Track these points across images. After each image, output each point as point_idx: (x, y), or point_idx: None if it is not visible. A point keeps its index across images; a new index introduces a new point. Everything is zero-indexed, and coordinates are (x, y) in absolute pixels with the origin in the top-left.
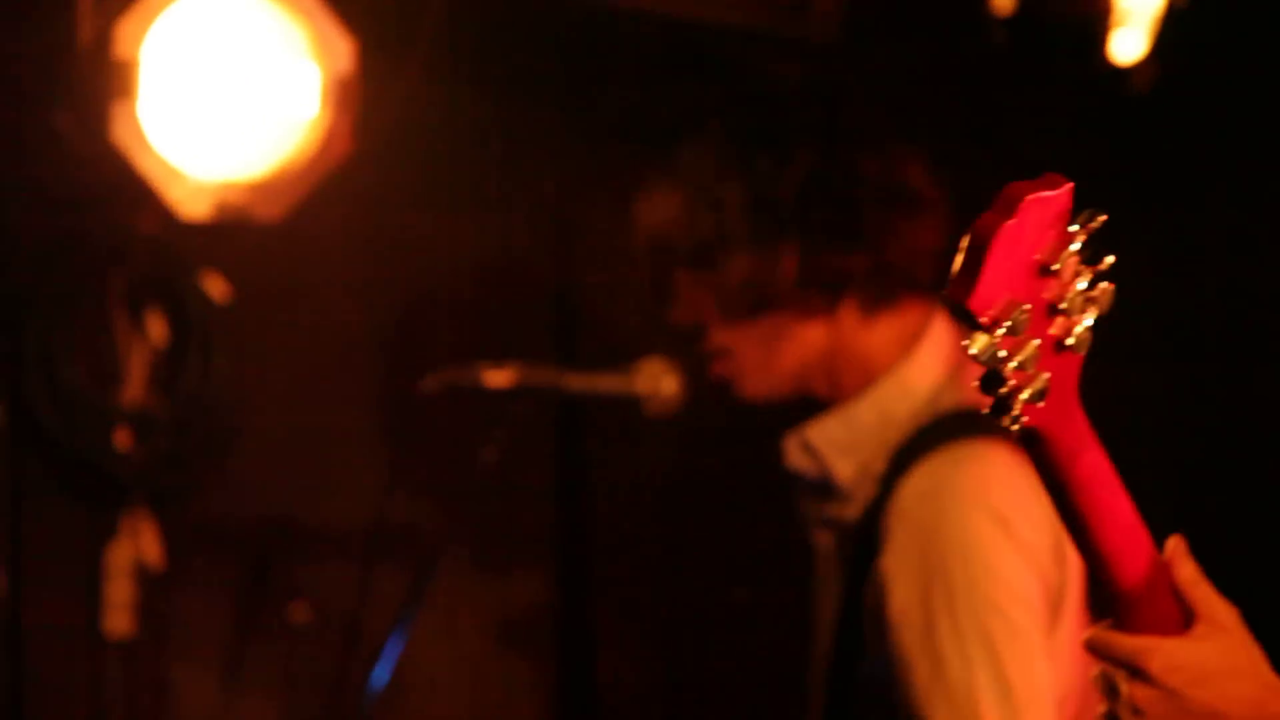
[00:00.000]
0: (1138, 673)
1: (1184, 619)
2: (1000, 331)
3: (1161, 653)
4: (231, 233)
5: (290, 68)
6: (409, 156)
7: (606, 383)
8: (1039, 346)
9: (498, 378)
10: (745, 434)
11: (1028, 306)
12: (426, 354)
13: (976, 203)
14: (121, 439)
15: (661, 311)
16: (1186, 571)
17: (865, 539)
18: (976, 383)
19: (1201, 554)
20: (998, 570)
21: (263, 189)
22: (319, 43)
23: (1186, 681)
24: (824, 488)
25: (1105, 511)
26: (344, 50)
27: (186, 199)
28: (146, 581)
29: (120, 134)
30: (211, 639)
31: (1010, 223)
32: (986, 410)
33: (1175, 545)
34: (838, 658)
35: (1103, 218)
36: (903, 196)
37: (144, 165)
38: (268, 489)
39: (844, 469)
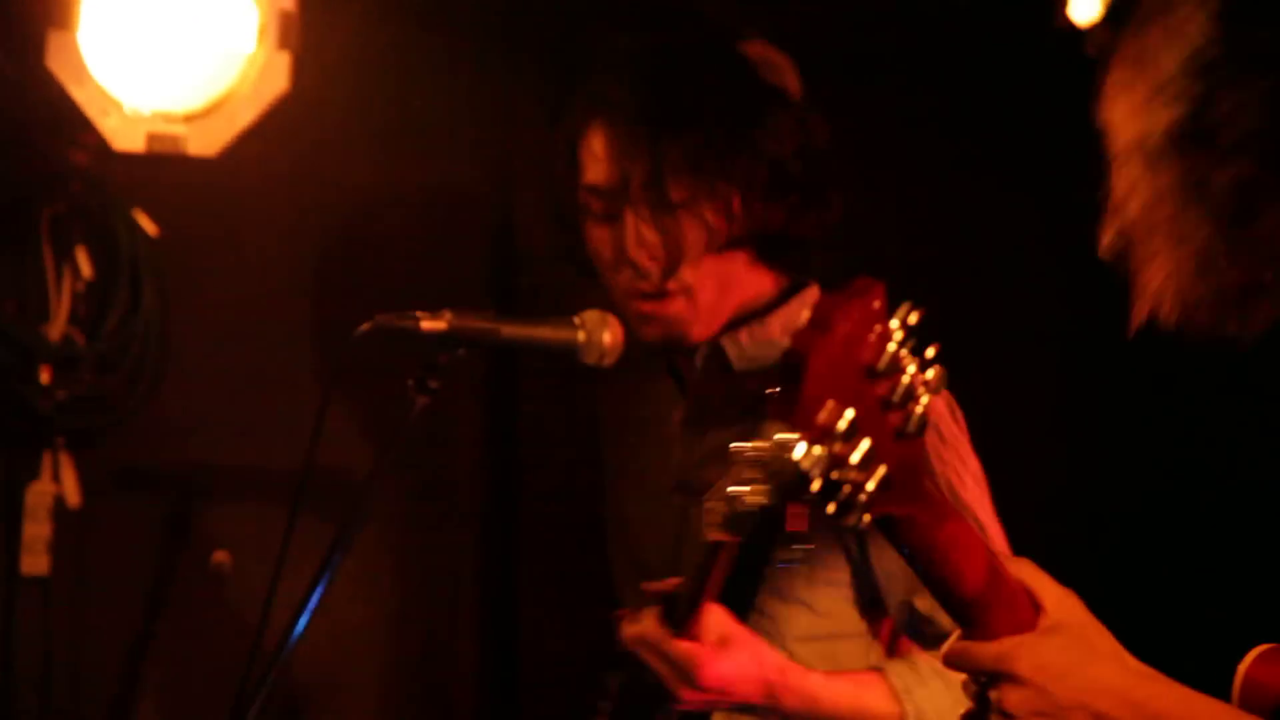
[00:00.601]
0: (1005, 676)
1: (1031, 619)
2: (831, 441)
3: (1025, 650)
4: (165, 167)
5: (231, 1)
6: (350, 96)
7: (544, 332)
8: (874, 443)
9: (433, 324)
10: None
11: (851, 413)
12: (359, 298)
13: (925, 155)
14: (45, 376)
15: (642, 245)
16: (1026, 570)
17: None
18: (817, 490)
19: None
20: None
21: (198, 123)
22: None
23: (1053, 677)
24: (726, 404)
25: (968, 571)
26: None
27: (120, 130)
28: (65, 520)
29: (57, 63)
30: (129, 581)
31: (824, 338)
32: (831, 513)
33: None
34: (748, 556)
35: (919, 313)
36: (835, 165)
37: (79, 95)
38: (192, 430)
39: (750, 384)
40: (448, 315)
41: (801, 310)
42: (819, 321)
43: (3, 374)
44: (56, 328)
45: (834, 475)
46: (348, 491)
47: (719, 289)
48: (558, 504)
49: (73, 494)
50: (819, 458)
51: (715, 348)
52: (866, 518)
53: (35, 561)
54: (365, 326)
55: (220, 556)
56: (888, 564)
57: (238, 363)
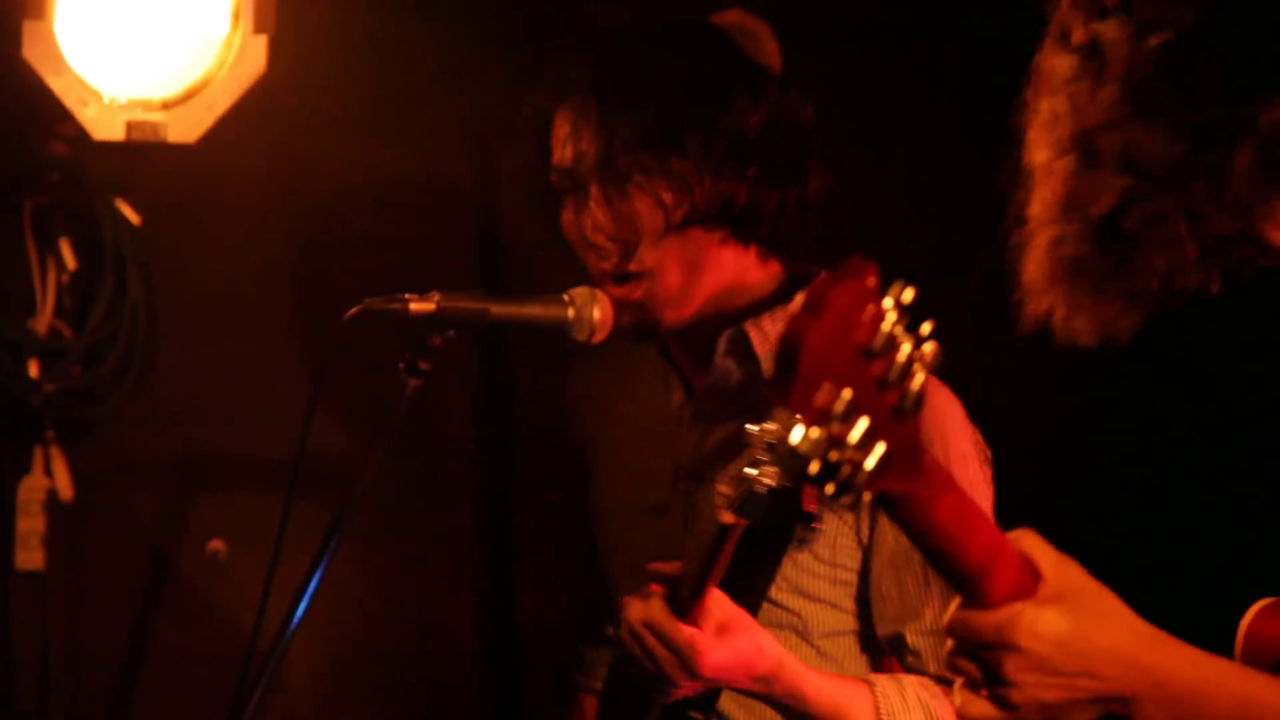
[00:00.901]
0: (1006, 646)
1: (1032, 589)
2: (829, 422)
3: (1024, 621)
4: (145, 155)
5: None
6: (330, 78)
7: (533, 310)
8: (872, 422)
9: (422, 305)
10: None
11: (848, 393)
12: (346, 281)
13: (918, 139)
14: (34, 369)
15: (599, 223)
16: (1026, 540)
17: None
18: (816, 472)
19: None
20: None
21: (177, 110)
22: None
23: (1054, 646)
24: (746, 390)
25: (969, 543)
26: None
27: (99, 120)
28: (58, 514)
29: (33, 53)
30: (125, 572)
31: (818, 322)
32: (830, 493)
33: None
34: (759, 543)
35: (912, 290)
36: (817, 142)
37: (57, 85)
38: (184, 419)
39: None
40: (437, 296)
41: None
42: (813, 304)
43: None
44: (43, 321)
45: (833, 456)
46: (342, 476)
47: (686, 270)
48: (553, 483)
49: (65, 487)
50: (817, 440)
51: (739, 334)
52: (866, 496)
53: (30, 556)
54: (354, 310)
55: (216, 545)
56: (886, 585)
57: (227, 350)
